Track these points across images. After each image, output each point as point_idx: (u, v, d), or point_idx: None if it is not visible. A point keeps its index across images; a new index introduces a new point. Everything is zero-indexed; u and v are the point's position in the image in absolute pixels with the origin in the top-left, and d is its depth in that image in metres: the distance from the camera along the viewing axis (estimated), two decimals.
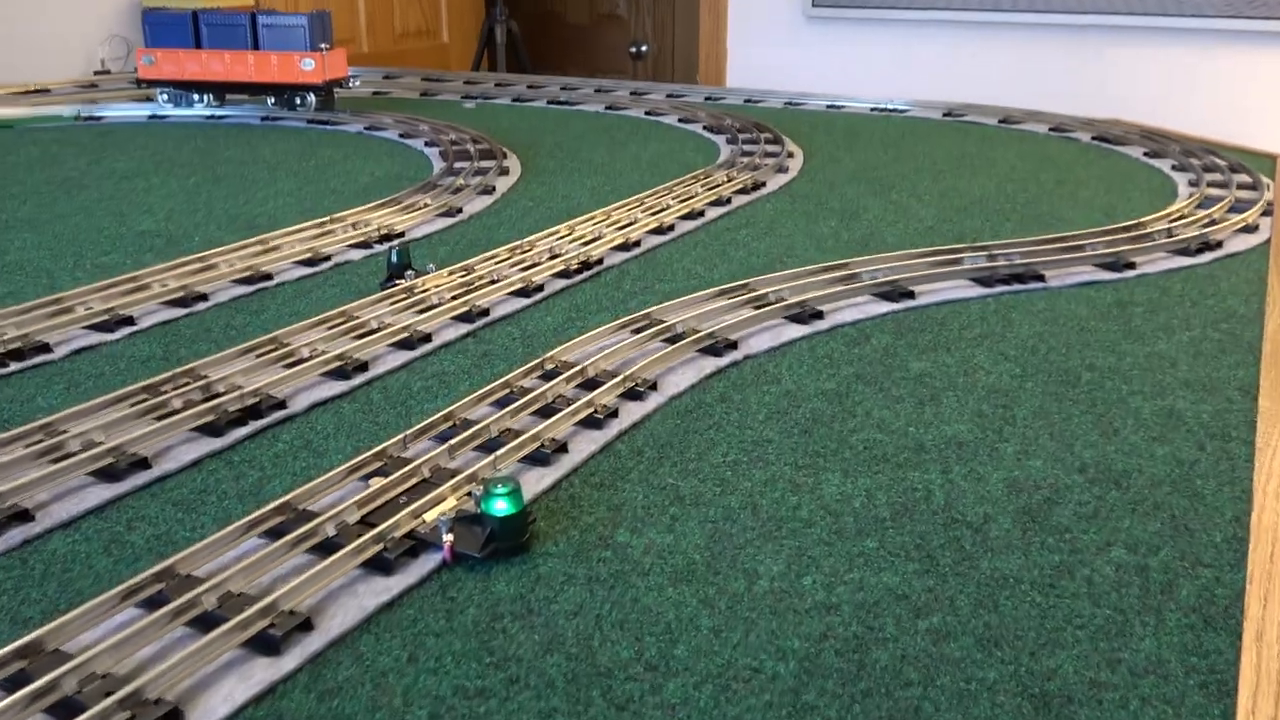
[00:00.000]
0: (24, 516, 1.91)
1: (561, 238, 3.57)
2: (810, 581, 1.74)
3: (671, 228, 3.74)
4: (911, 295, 3.06)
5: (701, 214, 3.92)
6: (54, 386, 2.50)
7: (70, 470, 2.03)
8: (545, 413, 2.32)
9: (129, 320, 2.87)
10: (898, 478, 2.07)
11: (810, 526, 1.91)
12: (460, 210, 4.00)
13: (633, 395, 2.42)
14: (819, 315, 2.90)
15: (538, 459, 2.13)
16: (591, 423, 2.28)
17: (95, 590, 1.72)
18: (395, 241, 3.58)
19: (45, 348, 2.68)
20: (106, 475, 2.06)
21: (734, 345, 2.69)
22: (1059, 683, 1.52)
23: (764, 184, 4.37)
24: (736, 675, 1.52)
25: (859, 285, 3.06)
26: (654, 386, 2.46)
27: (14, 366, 2.59)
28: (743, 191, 4.25)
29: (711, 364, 2.61)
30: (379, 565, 1.77)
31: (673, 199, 4.06)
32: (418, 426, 2.19)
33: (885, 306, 2.99)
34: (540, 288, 3.13)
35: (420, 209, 3.96)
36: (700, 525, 1.91)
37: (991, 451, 2.18)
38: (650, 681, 1.51)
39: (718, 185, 4.27)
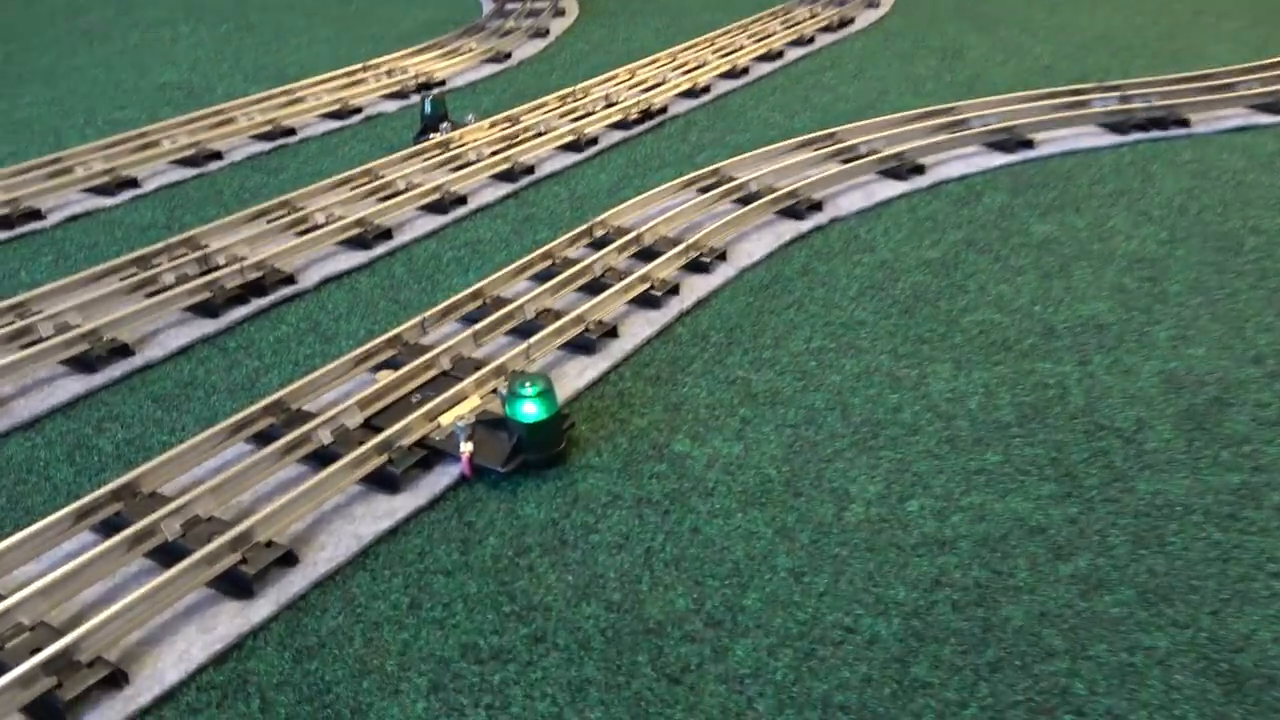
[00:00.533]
0: None
1: (620, 83, 3.13)
2: (917, 507, 1.38)
3: (746, 71, 3.27)
4: (1030, 144, 2.58)
5: (780, 55, 3.43)
6: (41, 258, 2.20)
7: (39, 359, 1.73)
8: (592, 289, 1.95)
9: (132, 182, 2.54)
10: (1023, 370, 1.68)
11: (915, 433, 1.53)
12: (509, 55, 3.56)
13: (697, 267, 2.03)
14: (919, 170, 2.45)
15: (581, 345, 1.77)
16: (647, 301, 1.91)
17: (48, 508, 1.43)
18: (431, 90, 3.17)
19: (36, 214, 2.37)
20: (81, 365, 1.77)
21: (818, 206, 2.27)
22: (1254, 655, 1.15)
23: (852, 20, 3.84)
24: (824, 636, 1.18)
25: (967, 133, 2.59)
26: (723, 257, 2.07)
27: (1, 235, 2.29)
28: (827, 29, 3.72)
29: (791, 229, 2.20)
30: (382, 481, 1.45)
31: (747, 39, 3.57)
32: (440, 306, 1.84)
33: (999, 158, 2.53)
34: (593, 141, 2.72)
35: (464, 54, 3.53)
36: (777, 431, 1.55)
37: (1140, 336, 1.76)
38: (712, 643, 1.18)
39: (799, 22, 3.75)
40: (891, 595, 1.24)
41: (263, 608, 1.24)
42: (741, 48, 3.46)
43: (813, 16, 3.82)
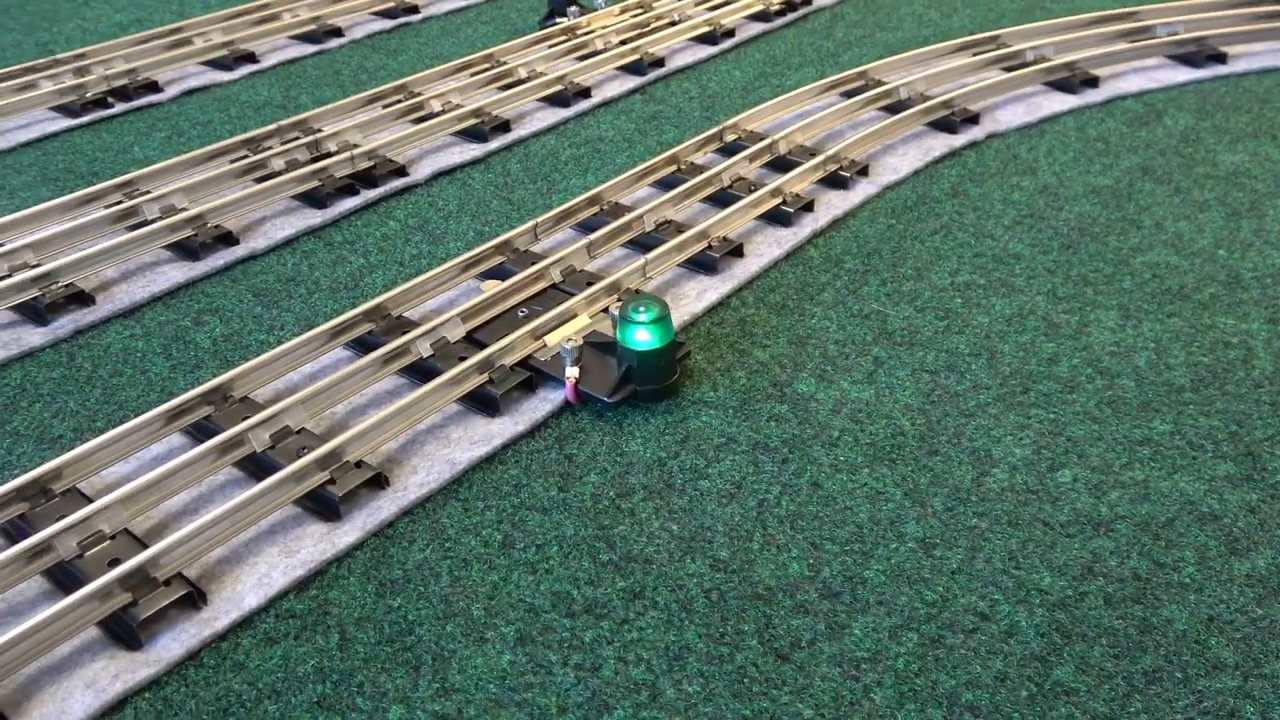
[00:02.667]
0: (81, 299, 1.58)
1: None
2: (1070, 479, 1.22)
3: None
4: (1222, 59, 2.29)
5: None
6: (155, 133, 2.15)
7: (143, 243, 1.68)
8: (718, 201, 1.80)
9: (250, 57, 2.46)
10: (1201, 324, 1.48)
11: (1072, 391, 1.36)
12: None
13: (835, 182, 1.86)
14: (1092, 82, 2.20)
15: (702, 264, 1.63)
16: (777, 218, 1.75)
17: (142, 404, 1.38)
18: None
19: (154, 86, 2.31)
20: (184, 251, 1.71)
21: (975, 119, 2.06)
22: None
23: None
24: (955, 622, 1.05)
25: (1149, 43, 2.31)
26: (864, 171, 1.89)
27: (118, 107, 2.24)
28: None
29: (943, 143, 1.99)
30: (481, 402, 1.35)
31: None
32: (554, 211, 1.72)
33: (1185, 73, 2.25)
34: (730, 33, 2.52)
35: None
36: (913, 377, 1.40)
37: None
38: (828, 618, 1.06)
39: None
40: (1035, 580, 1.09)
41: (349, 533, 1.17)
42: None
43: None
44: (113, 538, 1.14)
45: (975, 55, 2.29)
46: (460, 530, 1.18)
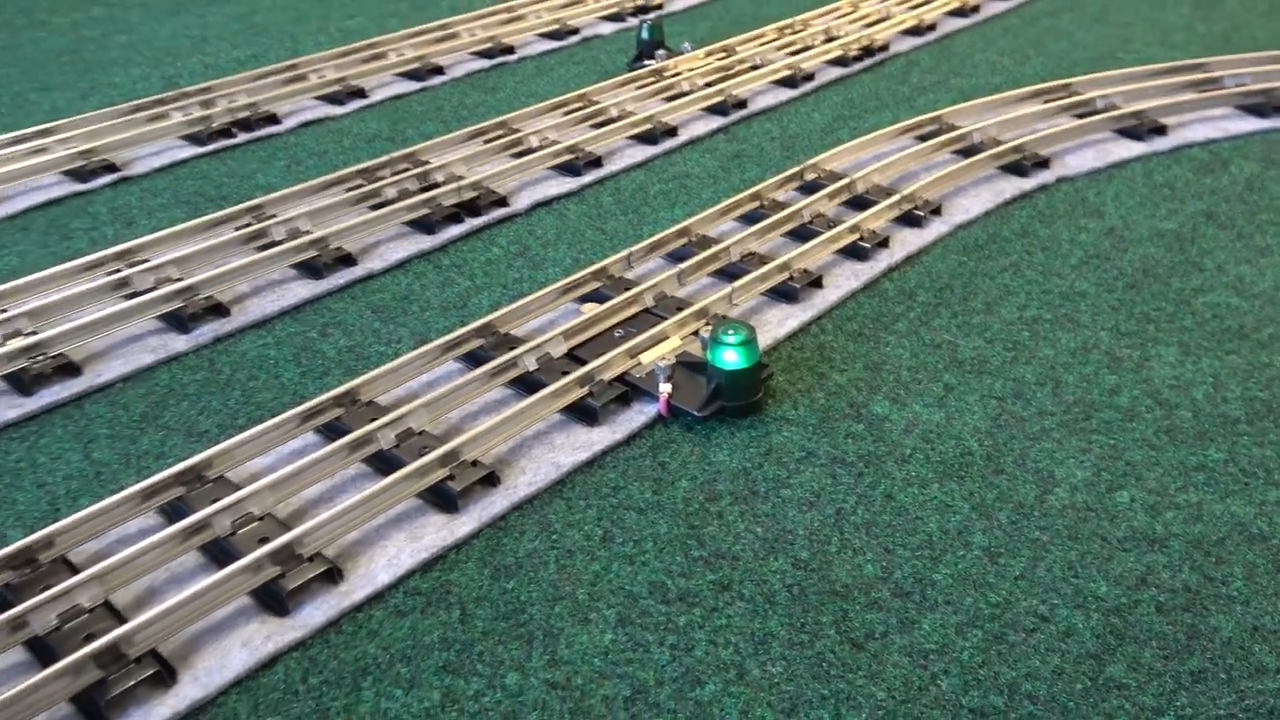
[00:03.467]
0: (218, 310, 1.75)
1: (841, 17, 3.03)
2: (1127, 499, 1.32)
3: (976, 9, 3.11)
4: None
5: None
6: (276, 162, 2.33)
7: (272, 262, 1.85)
8: (799, 235, 1.93)
9: (360, 92, 2.65)
10: (1259, 362, 1.56)
11: (1131, 420, 1.46)
12: None
13: (909, 220, 1.97)
14: (1160, 130, 2.29)
15: (784, 293, 1.76)
16: (855, 252, 1.87)
17: (276, 405, 1.54)
18: (649, 16, 3.16)
19: (274, 119, 2.51)
20: (309, 270, 1.88)
21: (1045, 163, 2.16)
22: None
23: None
24: (1016, 622, 1.16)
25: (1217, 93, 2.39)
26: (937, 211, 2.00)
27: (241, 137, 2.44)
28: None
29: (1014, 186, 2.10)
30: (582, 412, 1.49)
31: None
32: (646, 242, 1.86)
33: (1252, 123, 2.33)
34: (810, 77, 2.65)
35: None
36: (982, 402, 1.50)
37: None
38: (899, 614, 1.17)
39: None
40: (1092, 589, 1.19)
41: (466, 524, 1.31)
42: None
43: None
44: (261, 519, 1.29)
45: (1047, 102, 2.39)
46: (565, 525, 1.31)
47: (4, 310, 1.73)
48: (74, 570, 1.23)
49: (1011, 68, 2.71)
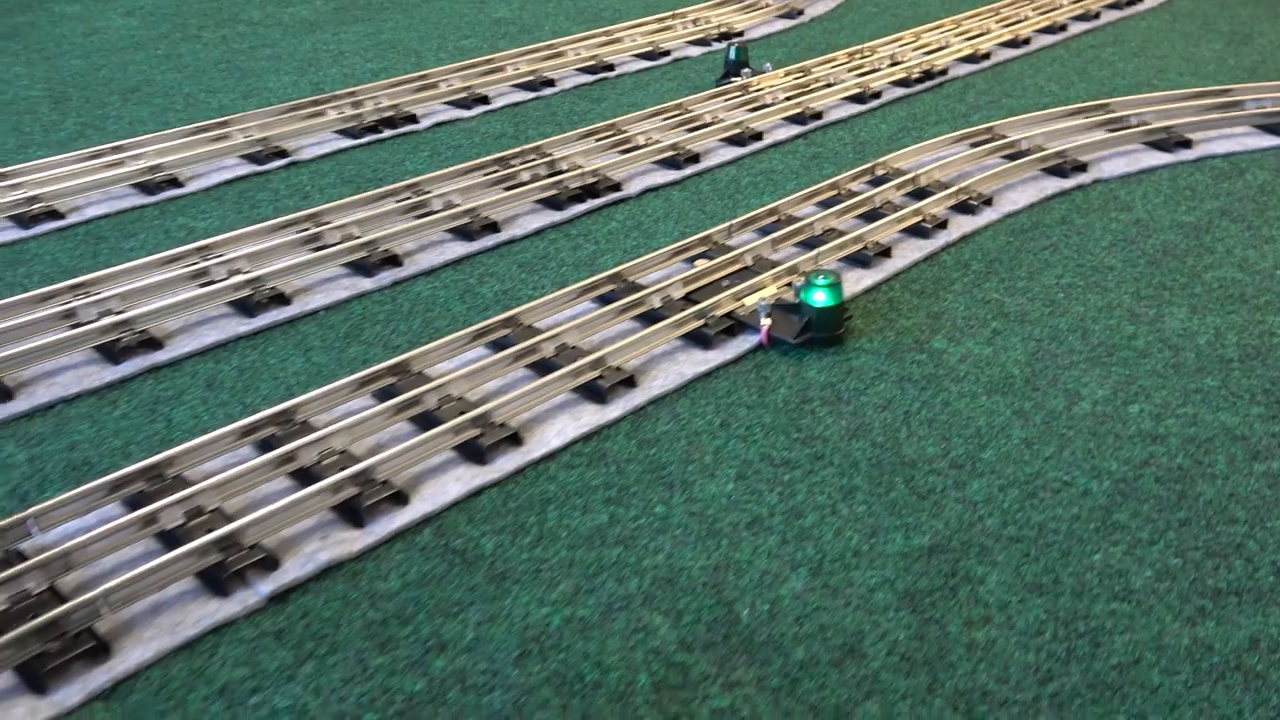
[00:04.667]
0: (394, 261, 2.15)
1: (904, 45, 3.41)
2: (1137, 410, 1.66)
3: (1027, 41, 3.47)
4: None
5: (1063, 28, 3.60)
6: (419, 153, 2.74)
7: (433, 226, 2.25)
8: (871, 216, 2.29)
9: (484, 99, 3.06)
10: (1254, 320, 1.90)
11: (1145, 357, 1.80)
12: (801, 12, 3.90)
13: (964, 209, 2.33)
14: (1186, 144, 2.63)
15: (859, 260, 2.12)
16: (918, 231, 2.23)
17: (451, 329, 1.92)
18: (736, 40, 3.55)
19: (412, 118, 2.92)
20: (462, 234, 2.27)
21: (1083, 168, 2.51)
22: None
23: None
24: (1045, 485, 1.50)
25: (1239, 114, 2.74)
26: (989, 202, 2.36)
27: (386, 133, 2.85)
28: (1114, 6, 3.85)
29: (1055, 184, 2.45)
30: (698, 339, 1.86)
31: (1032, 10, 3.75)
32: (743, 217, 2.23)
33: (1269, 140, 2.67)
34: (877, 95, 3.03)
35: (760, 9, 3.90)
36: (1023, 342, 1.85)
37: None
38: (954, 478, 1.52)
39: None
40: (1105, 466, 1.53)
41: (614, 410, 1.68)
42: (1025, 19, 3.66)
43: None
44: (458, 400, 1.67)
45: (1086, 119, 2.74)
46: (690, 415, 1.68)
47: (223, 255, 2.13)
48: (310, 429, 1.61)
49: (1057, 91, 3.06)
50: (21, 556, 1.37)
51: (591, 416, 1.67)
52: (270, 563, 1.37)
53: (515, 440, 1.60)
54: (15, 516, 1.40)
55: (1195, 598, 1.31)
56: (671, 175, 2.56)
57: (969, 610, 1.30)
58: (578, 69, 3.32)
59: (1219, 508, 1.45)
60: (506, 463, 1.57)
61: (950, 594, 1.32)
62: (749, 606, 1.31)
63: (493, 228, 2.29)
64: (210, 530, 1.39)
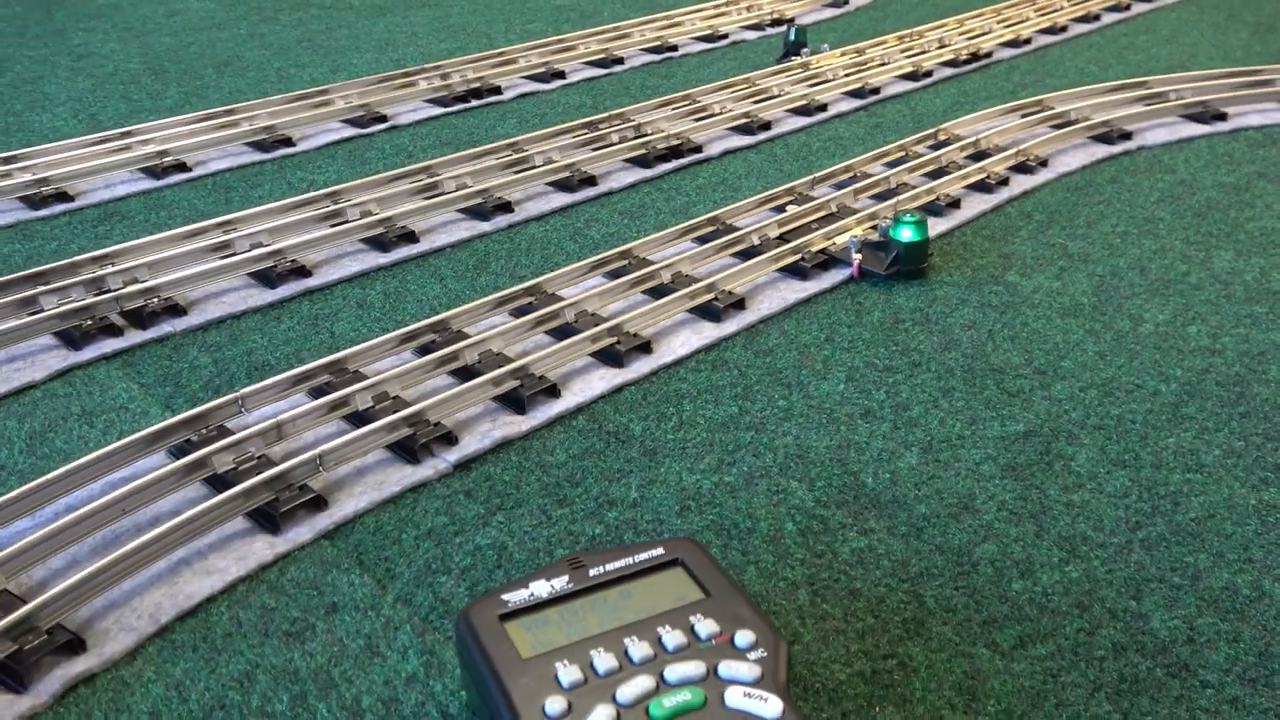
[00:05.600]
0: (506, 208, 2.35)
1: (950, 30, 3.62)
2: (1195, 330, 1.87)
3: (1064, 29, 3.69)
4: None
5: (1097, 18, 3.82)
6: (507, 120, 2.95)
7: (536, 178, 2.45)
8: (937, 174, 2.50)
9: (560, 74, 3.27)
10: None
11: (1198, 289, 2.00)
12: (846, 1, 4.11)
13: (1023, 169, 2.54)
14: (1222, 116, 2.84)
15: (931, 209, 2.33)
16: (982, 187, 2.44)
17: (566, 263, 2.13)
18: (795, 21, 3.77)
19: (497, 90, 3.13)
20: (563, 187, 2.47)
21: (1128, 136, 2.72)
22: None
23: None
24: (1119, 387, 1.70)
25: (1270, 91, 2.94)
26: (1044, 163, 2.57)
27: (474, 103, 3.06)
28: None
29: (1103, 150, 2.66)
30: (796, 271, 2.06)
31: (1066, 2, 3.97)
32: (822, 173, 2.44)
33: None
34: (929, 73, 3.24)
35: None
36: (1088, 277, 2.05)
37: None
38: (1039, 381, 1.72)
39: None
40: (1170, 372, 1.74)
41: (729, 327, 1.88)
42: (1060, 8, 3.87)
43: None
44: (591, 315, 1.87)
45: (1127, 94, 2.95)
46: (797, 331, 1.88)
47: (350, 200, 2.34)
48: (465, 336, 1.81)
49: (1097, 72, 3.27)
50: (229, 431, 1.57)
51: (710, 332, 1.87)
52: (450, 438, 1.57)
53: (646, 349, 1.81)
54: (227, 396, 1.60)
55: (1259, 470, 1.51)
56: (747, 140, 2.76)
57: (1063, 479, 1.50)
58: (643, 49, 3.53)
59: (1274, 403, 1.65)
60: (641, 366, 1.77)
61: (1046, 467, 1.52)
62: (872, 475, 1.51)
63: (590, 181, 2.49)
64: (396, 411, 1.59)
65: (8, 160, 2.52)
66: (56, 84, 3.23)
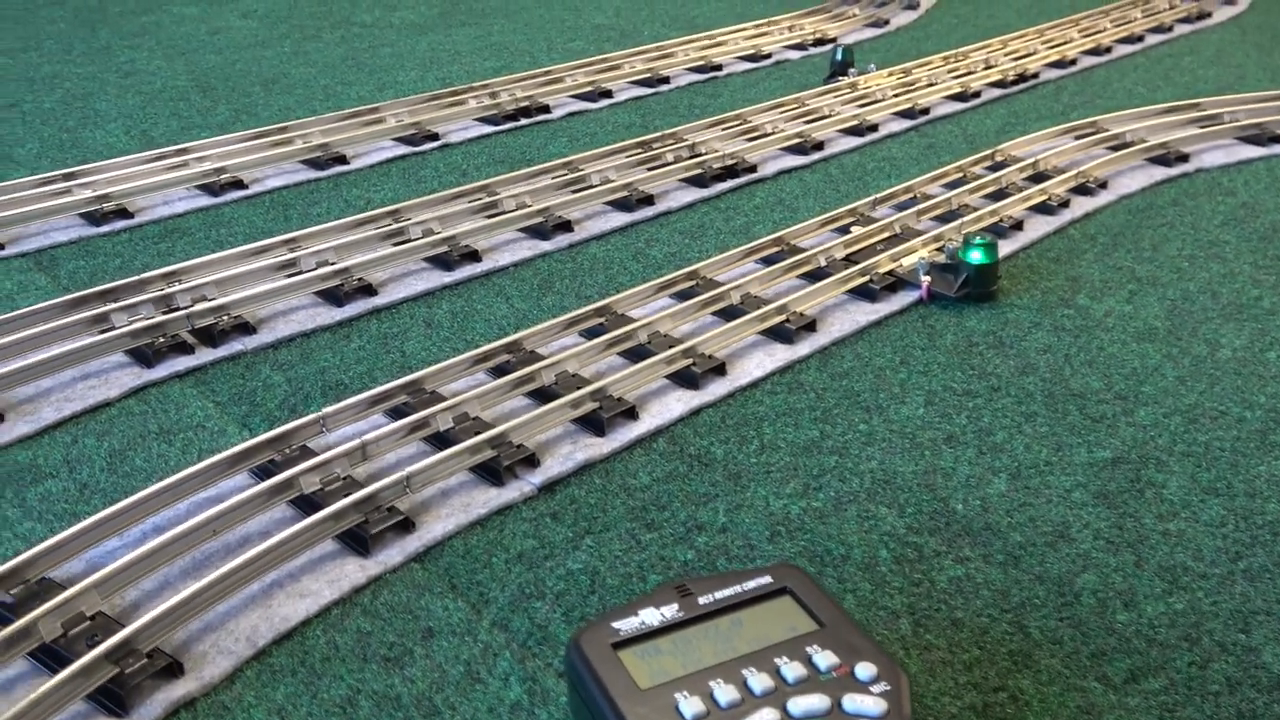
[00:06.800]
0: (566, 226, 2.35)
1: (994, 51, 3.62)
2: (1275, 356, 1.85)
3: (1109, 50, 3.68)
4: None
5: (1140, 39, 3.81)
6: (558, 139, 2.95)
7: (594, 198, 2.45)
8: (996, 196, 2.49)
9: (607, 93, 3.27)
10: None
11: (1273, 315, 1.98)
12: (887, 22, 4.11)
13: (1083, 190, 2.52)
14: (1278, 139, 2.82)
15: (994, 231, 2.31)
16: (1044, 209, 2.42)
17: (633, 284, 2.12)
18: (840, 41, 3.77)
19: (546, 109, 3.13)
20: (622, 206, 2.47)
21: (1185, 158, 2.70)
22: None
23: (1209, 14, 4.14)
24: (1204, 413, 1.69)
25: None
26: (1104, 185, 2.55)
27: (524, 121, 3.06)
28: (1185, 20, 4.05)
29: (1161, 172, 2.65)
30: (864, 293, 2.05)
31: (1109, 23, 3.96)
32: (882, 194, 2.43)
33: None
34: (977, 94, 3.23)
35: (849, 18, 4.11)
36: (1159, 301, 2.04)
37: None
38: (1121, 407, 1.70)
39: (1158, 12, 4.10)
40: (1254, 399, 1.72)
41: (802, 349, 1.87)
42: (1103, 30, 3.87)
43: (1171, 8, 4.16)
44: (665, 335, 1.86)
45: (1179, 116, 2.94)
46: (871, 354, 1.87)
47: (411, 218, 2.34)
48: (539, 357, 1.80)
49: (1145, 94, 3.26)
50: (312, 451, 1.56)
51: (783, 354, 1.86)
52: (533, 460, 1.56)
53: (720, 370, 1.79)
54: (309, 417, 1.59)
55: None
56: (801, 160, 2.76)
57: (1157, 507, 1.48)
58: (688, 68, 3.54)
59: None
60: (717, 388, 1.76)
61: (1138, 495, 1.51)
62: (961, 502, 1.50)
63: (648, 200, 2.49)
64: (477, 432, 1.58)
65: (68, 176, 2.53)
66: (106, 101, 3.25)
